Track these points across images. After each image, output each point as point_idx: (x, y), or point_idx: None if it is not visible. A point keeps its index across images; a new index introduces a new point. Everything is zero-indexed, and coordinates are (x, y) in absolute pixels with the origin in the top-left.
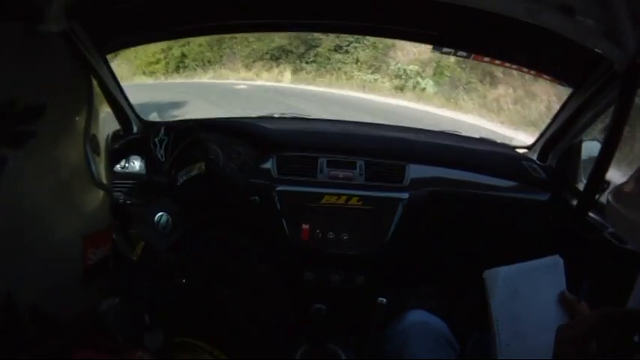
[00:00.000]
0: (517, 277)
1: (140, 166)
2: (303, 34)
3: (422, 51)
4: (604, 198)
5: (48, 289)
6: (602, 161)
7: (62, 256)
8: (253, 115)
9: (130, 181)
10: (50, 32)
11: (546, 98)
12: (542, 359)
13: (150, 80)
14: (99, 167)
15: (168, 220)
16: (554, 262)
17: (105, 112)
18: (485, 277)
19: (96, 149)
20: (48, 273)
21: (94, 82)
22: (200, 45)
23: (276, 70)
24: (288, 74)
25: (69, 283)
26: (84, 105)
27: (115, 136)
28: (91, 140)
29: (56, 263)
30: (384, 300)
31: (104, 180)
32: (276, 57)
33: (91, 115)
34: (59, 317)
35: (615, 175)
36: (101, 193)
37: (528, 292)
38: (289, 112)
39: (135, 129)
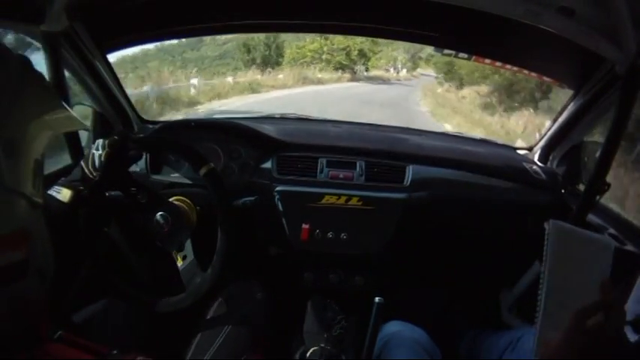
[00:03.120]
0: (575, 241)
1: (141, 166)
2: None
3: None
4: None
5: None
6: (603, 163)
7: None
8: (254, 116)
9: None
10: (51, 32)
11: None
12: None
13: None
14: (13, 170)
15: (168, 220)
16: (608, 243)
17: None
18: (548, 227)
19: (7, 150)
20: None
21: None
22: None
23: None
24: None
25: None
26: None
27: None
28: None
29: None
30: (382, 299)
31: (20, 184)
32: None
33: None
34: None
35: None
36: (11, 195)
37: (579, 264)
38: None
39: (136, 128)
